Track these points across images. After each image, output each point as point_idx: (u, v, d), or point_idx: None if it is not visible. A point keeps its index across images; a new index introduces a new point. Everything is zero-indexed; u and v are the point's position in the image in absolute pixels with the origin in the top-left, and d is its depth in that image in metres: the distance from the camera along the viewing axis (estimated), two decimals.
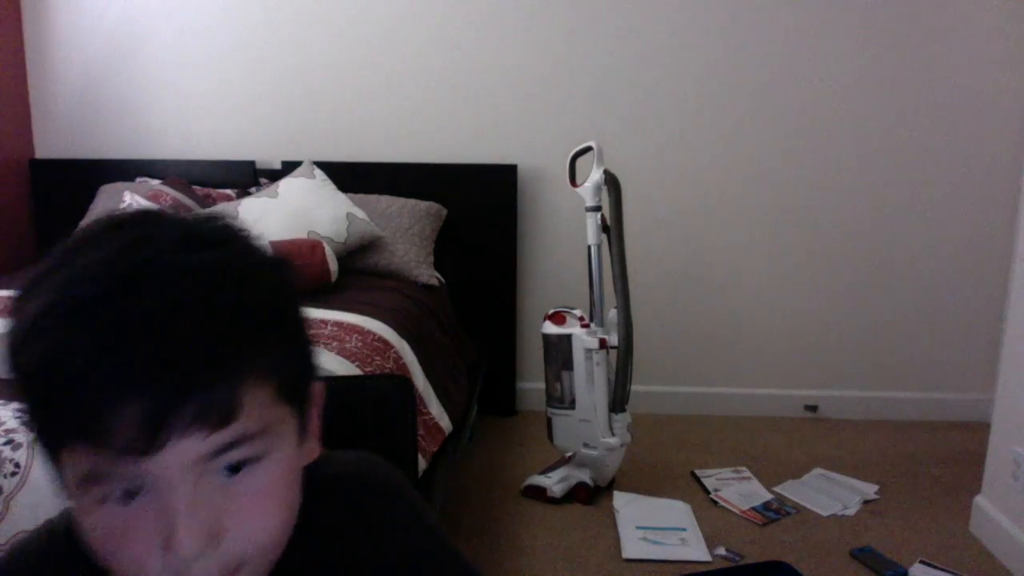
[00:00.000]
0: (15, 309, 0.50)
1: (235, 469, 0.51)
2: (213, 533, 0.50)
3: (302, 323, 0.58)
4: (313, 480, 0.61)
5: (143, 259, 0.49)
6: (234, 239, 0.55)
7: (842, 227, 3.04)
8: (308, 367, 0.60)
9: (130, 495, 0.49)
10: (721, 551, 2.12)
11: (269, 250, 0.57)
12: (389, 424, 0.89)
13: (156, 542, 0.49)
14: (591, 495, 2.39)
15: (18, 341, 0.49)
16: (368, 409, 0.69)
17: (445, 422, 2.10)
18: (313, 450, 0.62)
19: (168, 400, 0.47)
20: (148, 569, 0.50)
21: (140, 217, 0.54)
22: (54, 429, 0.50)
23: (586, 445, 2.39)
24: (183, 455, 0.49)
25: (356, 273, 2.65)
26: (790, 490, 2.47)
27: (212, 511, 0.50)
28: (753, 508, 2.35)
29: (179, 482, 0.49)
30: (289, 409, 0.56)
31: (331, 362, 1.71)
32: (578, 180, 2.43)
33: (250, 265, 0.54)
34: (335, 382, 1.14)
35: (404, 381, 0.92)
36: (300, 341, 0.58)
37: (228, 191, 2.95)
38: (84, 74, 3.14)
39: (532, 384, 3.10)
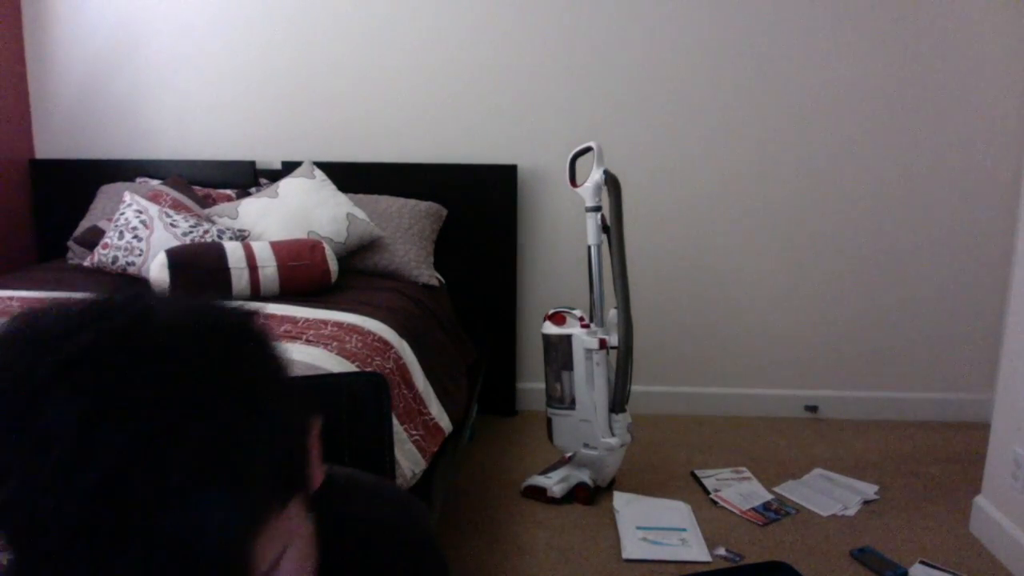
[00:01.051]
0: None
1: None
2: None
3: (294, 424, 0.52)
4: (343, 522, 0.60)
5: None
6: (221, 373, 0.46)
7: (842, 227, 3.04)
8: (305, 463, 0.54)
9: None
10: (721, 551, 2.12)
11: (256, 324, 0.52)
12: (365, 423, 0.89)
13: None
14: (591, 495, 2.39)
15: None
16: (343, 406, 0.69)
17: (445, 422, 2.10)
18: (318, 478, 0.58)
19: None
20: None
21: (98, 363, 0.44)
22: None
23: (586, 445, 2.39)
24: None
25: (356, 273, 2.66)
26: (790, 490, 2.47)
27: None
28: (753, 508, 2.35)
29: None
30: (297, 498, 0.52)
31: (330, 362, 1.71)
32: (578, 180, 2.43)
33: (234, 434, 0.45)
34: (310, 381, 1.13)
35: (378, 378, 0.92)
36: (294, 448, 0.52)
37: (228, 191, 2.95)
38: (84, 74, 3.14)
39: (532, 384, 3.10)
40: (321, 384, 0.93)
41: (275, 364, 0.51)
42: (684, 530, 2.21)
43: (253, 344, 0.50)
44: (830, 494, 2.44)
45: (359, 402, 0.87)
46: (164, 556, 0.41)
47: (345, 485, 0.64)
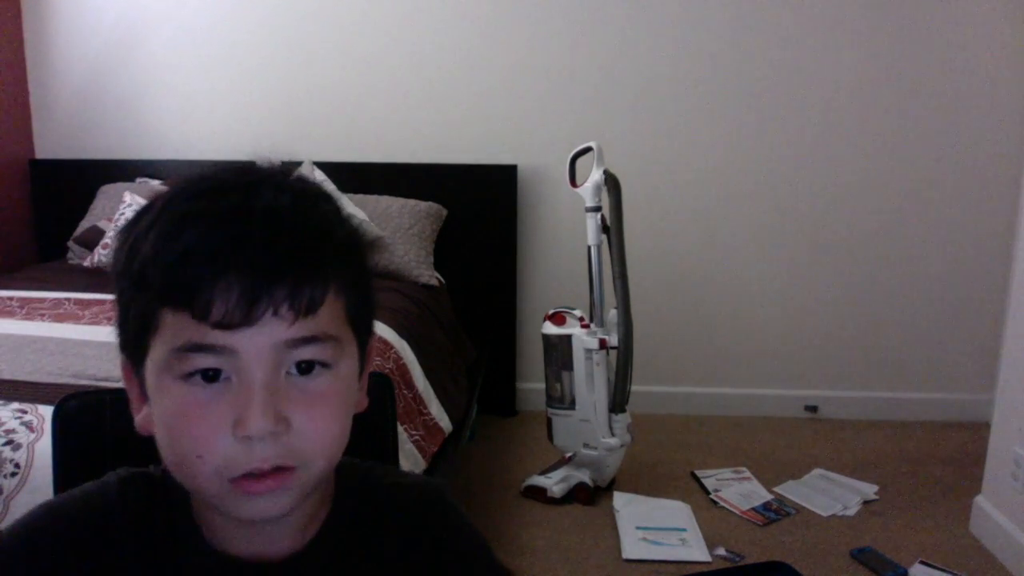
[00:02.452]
0: (133, 221, 0.58)
1: (307, 371, 0.57)
2: (282, 420, 0.55)
3: (371, 281, 0.65)
4: (368, 486, 0.69)
5: (265, 173, 0.59)
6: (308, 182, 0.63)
7: (842, 227, 3.04)
8: (371, 316, 0.65)
9: (212, 378, 0.55)
10: (721, 551, 2.12)
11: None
12: (370, 424, 0.89)
13: (227, 421, 0.54)
14: (591, 495, 2.39)
15: (138, 228, 0.57)
16: None
17: (445, 422, 2.10)
18: (363, 401, 0.66)
19: (267, 278, 0.53)
20: (215, 447, 0.54)
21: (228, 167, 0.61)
22: (162, 296, 0.54)
23: (586, 445, 2.39)
24: (271, 335, 0.54)
25: None
26: (790, 490, 2.47)
27: (282, 400, 0.55)
28: (753, 508, 2.35)
29: (262, 361, 0.54)
30: (354, 336, 0.61)
31: None
32: (578, 180, 2.43)
33: (345, 213, 0.62)
34: None
35: (384, 379, 0.92)
36: (368, 289, 0.64)
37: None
38: (84, 74, 3.14)
39: (532, 384, 3.10)
40: None
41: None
42: (684, 530, 2.21)
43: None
44: (830, 494, 2.44)
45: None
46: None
47: (367, 465, 0.72)
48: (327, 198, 0.61)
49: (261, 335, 0.54)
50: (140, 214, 0.58)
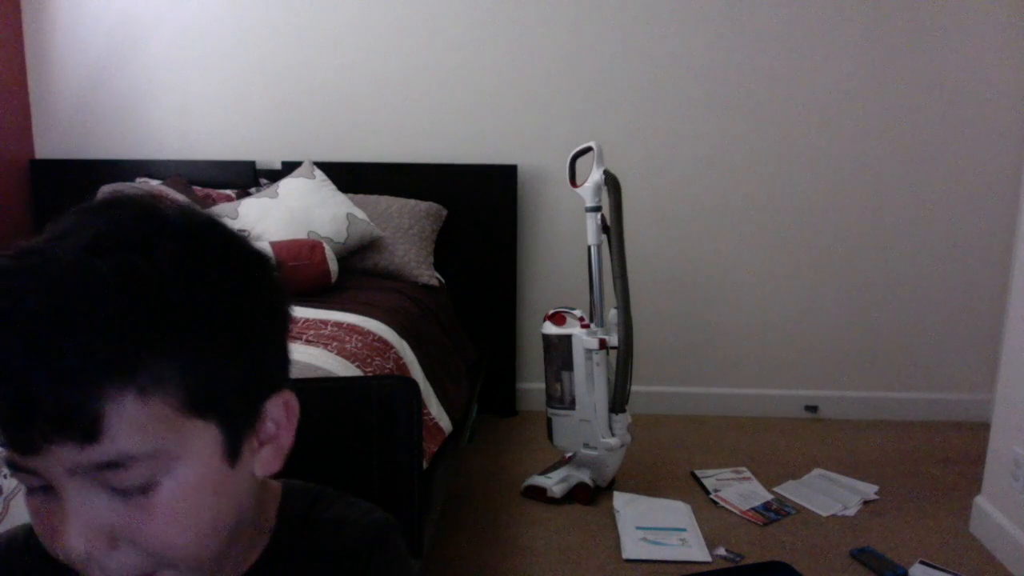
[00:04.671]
0: None
1: (124, 494, 0.50)
2: (102, 540, 0.50)
3: (252, 332, 0.54)
4: (311, 518, 0.64)
5: (41, 264, 0.48)
6: (175, 236, 0.51)
7: (842, 227, 3.04)
8: (255, 378, 0.55)
9: (47, 488, 0.50)
10: (721, 551, 2.12)
11: (256, 249, 0.56)
12: (394, 425, 0.88)
13: (58, 538, 0.50)
14: (591, 495, 2.39)
15: None
16: (373, 410, 0.69)
17: (445, 422, 2.10)
18: (272, 462, 0.59)
19: (28, 405, 0.46)
20: (62, 556, 0.51)
21: (97, 206, 0.53)
22: None
23: (586, 445, 2.39)
24: (62, 461, 0.48)
25: (356, 273, 2.65)
26: (790, 490, 2.47)
27: (100, 521, 0.49)
28: (753, 508, 2.35)
29: (63, 486, 0.49)
30: (206, 424, 0.52)
31: (331, 362, 1.71)
32: (578, 180, 2.43)
33: (170, 270, 0.49)
34: (339, 383, 1.14)
35: (409, 382, 0.92)
36: (239, 351, 0.53)
37: (228, 191, 2.95)
38: (84, 74, 3.14)
39: (532, 384, 3.10)
40: (350, 386, 0.93)
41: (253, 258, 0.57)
42: (684, 530, 2.21)
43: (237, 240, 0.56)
44: (830, 494, 2.44)
45: (389, 405, 0.87)
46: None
47: (315, 493, 0.68)
48: (133, 280, 0.47)
49: (53, 461, 0.48)
50: None
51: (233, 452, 0.54)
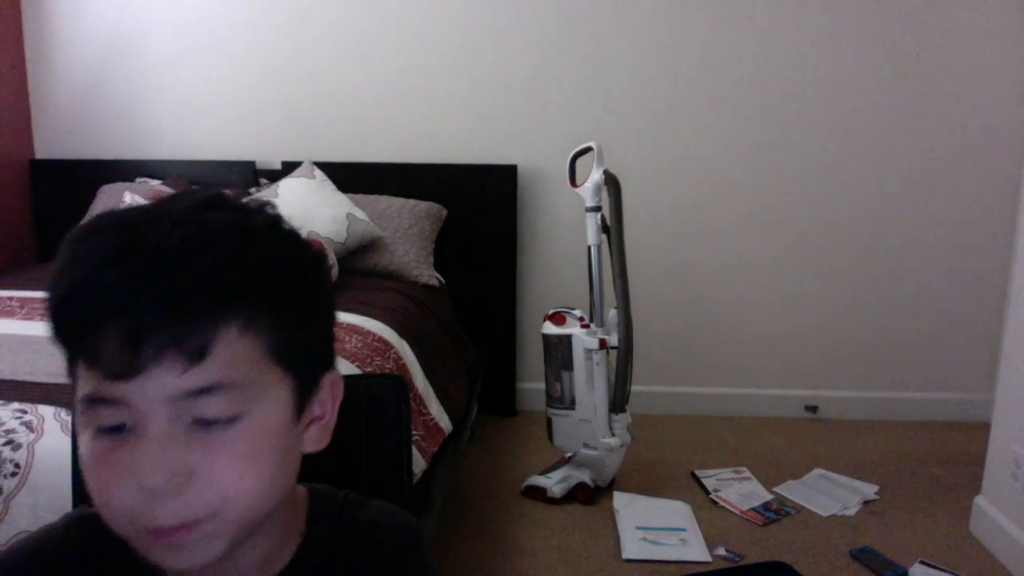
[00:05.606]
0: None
1: (209, 425, 0.53)
2: (180, 475, 0.52)
3: (320, 306, 0.62)
4: (343, 521, 0.67)
5: (164, 210, 0.55)
6: (268, 216, 0.59)
7: (842, 227, 3.04)
8: (319, 348, 0.62)
9: (118, 429, 0.53)
10: (721, 551, 2.12)
11: (304, 239, 0.62)
12: (384, 424, 0.88)
13: (129, 472, 0.52)
14: (591, 495, 2.39)
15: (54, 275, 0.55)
16: (362, 410, 0.69)
17: (445, 422, 2.10)
18: (319, 440, 0.64)
19: (148, 322, 0.51)
20: (117, 498, 0.53)
21: (188, 191, 0.61)
22: (68, 347, 0.54)
23: (586, 445, 2.39)
24: (162, 386, 0.52)
25: (356, 273, 2.65)
26: (790, 490, 2.47)
27: (183, 453, 0.52)
28: (753, 508, 2.35)
29: (153, 414, 0.52)
30: (284, 374, 0.58)
31: None
32: (578, 180, 2.43)
33: (269, 235, 0.57)
34: None
35: (399, 380, 0.92)
36: (309, 318, 0.60)
37: (228, 191, 2.94)
38: (84, 74, 3.14)
39: (532, 384, 3.10)
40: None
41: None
42: (684, 530, 2.21)
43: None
44: (830, 494, 2.44)
45: (378, 404, 0.87)
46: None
47: (343, 496, 0.70)
48: (242, 229, 0.56)
49: (152, 386, 0.52)
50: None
51: (298, 411, 0.60)
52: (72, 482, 0.84)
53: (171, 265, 0.52)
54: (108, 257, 0.52)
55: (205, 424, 0.53)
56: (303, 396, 0.60)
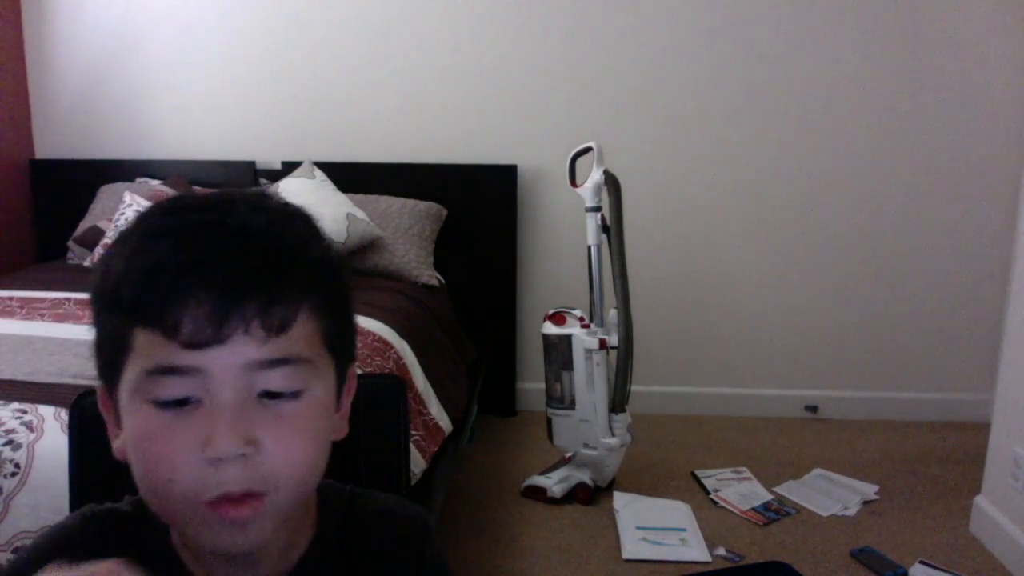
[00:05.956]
0: (112, 243, 0.59)
1: (278, 395, 0.56)
2: (251, 442, 0.54)
3: (350, 303, 0.65)
4: (353, 513, 0.68)
5: (242, 195, 0.59)
6: (307, 212, 0.64)
7: (842, 227, 3.04)
8: (351, 341, 0.66)
9: (181, 403, 0.54)
10: (721, 551, 2.12)
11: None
12: (382, 424, 0.88)
13: (196, 443, 0.53)
14: (591, 495, 2.39)
15: (114, 248, 0.57)
16: (359, 409, 0.69)
17: (445, 422, 2.10)
18: (341, 429, 0.65)
19: (237, 294, 0.53)
20: (184, 470, 0.54)
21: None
22: (133, 313, 0.54)
23: (586, 445, 2.39)
24: (242, 354, 0.54)
25: (356, 273, 2.65)
26: (790, 490, 2.47)
27: (252, 422, 0.54)
28: (753, 508, 2.35)
29: (231, 382, 0.54)
30: (331, 360, 0.61)
31: None
32: (578, 180, 2.43)
33: (323, 234, 0.63)
34: None
35: (397, 380, 0.92)
36: (347, 311, 0.64)
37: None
38: (84, 74, 3.14)
39: (532, 384, 3.10)
40: None
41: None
42: (684, 530, 2.21)
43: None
44: (830, 494, 2.44)
45: (376, 404, 0.87)
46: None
47: (350, 490, 0.72)
48: (305, 219, 0.62)
49: (231, 354, 0.53)
50: (118, 237, 0.58)
51: (338, 395, 0.63)
52: (70, 481, 0.84)
53: (258, 241, 0.55)
54: (196, 231, 0.55)
55: (272, 397, 0.55)
56: (340, 382, 0.63)
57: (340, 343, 0.62)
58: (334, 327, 0.60)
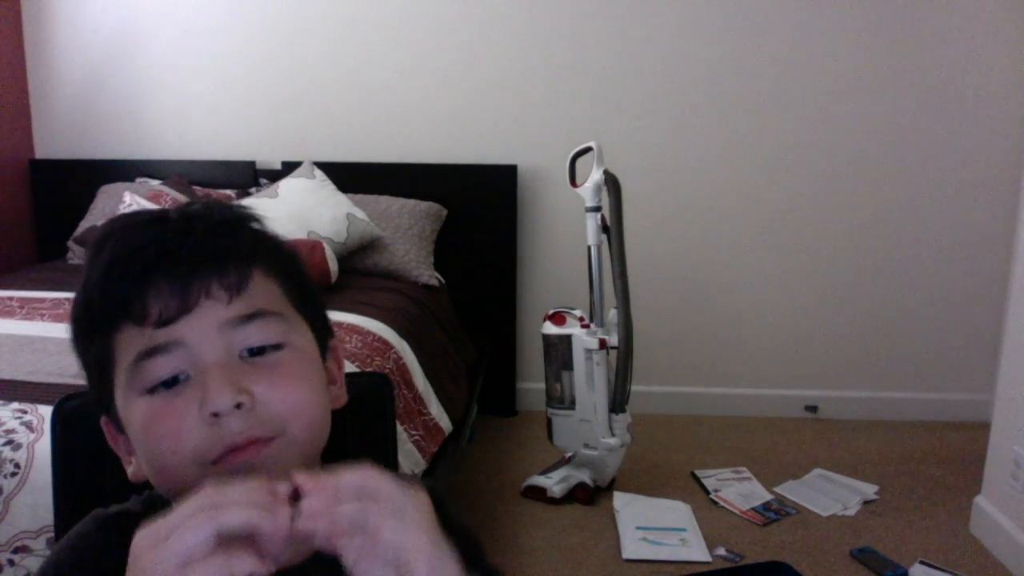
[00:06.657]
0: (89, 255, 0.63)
1: (260, 352, 0.59)
2: (245, 392, 0.56)
3: (305, 273, 0.69)
4: None
5: (185, 207, 0.64)
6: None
7: (842, 227, 3.04)
8: (319, 308, 0.70)
9: (173, 382, 0.57)
10: (721, 551, 2.12)
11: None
12: (369, 425, 0.88)
13: (194, 408, 0.56)
14: (591, 495, 2.39)
15: (79, 284, 0.62)
16: (348, 407, 0.69)
17: (445, 422, 2.10)
18: (339, 398, 0.69)
19: (192, 265, 0.58)
20: (187, 436, 0.56)
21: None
22: (104, 314, 0.59)
23: (586, 445, 2.39)
24: (213, 316, 0.58)
25: (356, 273, 2.65)
26: (790, 490, 2.47)
27: (241, 376, 0.57)
28: (753, 508, 2.35)
29: (211, 343, 0.57)
30: (303, 320, 0.65)
31: None
32: (578, 180, 2.43)
33: (259, 216, 0.67)
34: None
35: (384, 379, 0.92)
36: (303, 277, 0.69)
37: (228, 191, 2.95)
38: (84, 74, 3.14)
39: (532, 384, 3.10)
40: None
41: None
42: (684, 530, 2.21)
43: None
44: (830, 494, 2.44)
45: (364, 402, 0.87)
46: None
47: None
48: (242, 207, 0.67)
49: (201, 319, 0.57)
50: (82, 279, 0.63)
51: (322, 351, 0.67)
52: (53, 482, 0.83)
53: (200, 221, 0.60)
54: (141, 225, 0.60)
55: (257, 352, 0.59)
56: (321, 343, 0.67)
57: (306, 305, 0.66)
58: (294, 288, 0.65)
